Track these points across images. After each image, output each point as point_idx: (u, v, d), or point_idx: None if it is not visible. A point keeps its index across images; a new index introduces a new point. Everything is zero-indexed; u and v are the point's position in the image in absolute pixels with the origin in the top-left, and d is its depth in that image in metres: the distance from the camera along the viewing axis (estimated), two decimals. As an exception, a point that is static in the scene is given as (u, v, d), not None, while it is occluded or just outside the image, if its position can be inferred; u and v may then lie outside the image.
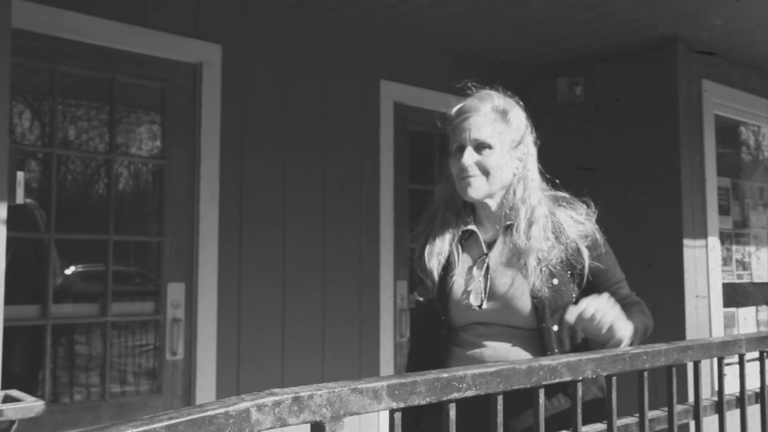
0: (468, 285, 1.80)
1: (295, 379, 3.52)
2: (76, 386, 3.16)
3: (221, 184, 3.43)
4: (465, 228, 1.87)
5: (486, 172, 1.79)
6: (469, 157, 1.79)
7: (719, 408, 1.85)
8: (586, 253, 1.77)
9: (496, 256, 1.81)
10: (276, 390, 0.99)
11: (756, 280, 4.71)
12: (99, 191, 3.40)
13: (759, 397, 1.99)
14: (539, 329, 1.74)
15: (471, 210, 1.89)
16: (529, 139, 1.89)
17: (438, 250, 1.85)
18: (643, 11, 3.71)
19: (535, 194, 1.80)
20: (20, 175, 2.54)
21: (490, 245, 1.83)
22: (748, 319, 4.57)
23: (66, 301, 3.14)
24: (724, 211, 4.44)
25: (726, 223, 4.48)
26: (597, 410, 1.67)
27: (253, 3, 3.57)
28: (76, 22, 3.06)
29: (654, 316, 4.42)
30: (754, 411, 1.96)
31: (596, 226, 1.83)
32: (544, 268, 1.73)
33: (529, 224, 1.76)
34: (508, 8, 3.65)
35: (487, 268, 1.79)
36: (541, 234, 1.75)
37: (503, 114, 1.83)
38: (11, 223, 2.43)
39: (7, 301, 2.38)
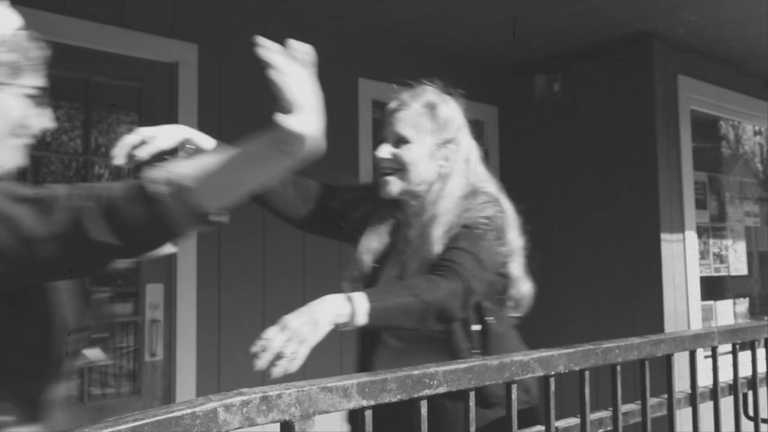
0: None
1: (276, 380, 3.51)
2: (55, 389, 3.13)
3: (199, 184, 3.42)
4: (393, 221, 1.85)
5: (401, 167, 1.75)
6: (385, 150, 1.77)
7: (692, 401, 1.88)
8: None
9: (410, 256, 1.78)
10: (244, 390, 0.99)
11: (733, 273, 4.76)
12: (76, 192, 3.38)
13: (732, 389, 2.01)
14: (447, 331, 1.70)
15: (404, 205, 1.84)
16: (463, 138, 1.82)
17: (374, 246, 1.84)
18: (619, 8, 3.74)
19: (448, 199, 1.74)
20: (-7, 178, 2.51)
21: (408, 242, 1.81)
22: (725, 312, 4.63)
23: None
24: (701, 205, 4.49)
25: (703, 217, 4.52)
26: (528, 419, 1.56)
27: (229, 2, 3.56)
28: (50, 23, 3.03)
29: (633, 310, 4.44)
30: (727, 403, 1.99)
31: (489, 222, 1.70)
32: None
33: (429, 229, 1.73)
34: (485, 6, 3.66)
35: (403, 269, 1.77)
36: (433, 239, 1.70)
37: (431, 108, 1.78)
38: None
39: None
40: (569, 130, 4.48)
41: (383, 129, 1.81)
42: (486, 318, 1.74)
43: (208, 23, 3.51)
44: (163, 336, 3.28)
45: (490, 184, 1.84)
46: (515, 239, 1.78)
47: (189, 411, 0.90)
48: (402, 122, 1.77)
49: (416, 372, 1.20)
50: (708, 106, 4.61)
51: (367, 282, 1.81)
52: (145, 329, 3.25)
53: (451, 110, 1.82)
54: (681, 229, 4.22)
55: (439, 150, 1.77)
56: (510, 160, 4.71)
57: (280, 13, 3.70)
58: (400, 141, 1.76)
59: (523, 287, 1.80)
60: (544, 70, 4.51)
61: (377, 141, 1.83)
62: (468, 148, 1.83)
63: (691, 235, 4.28)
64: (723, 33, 4.15)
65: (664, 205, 4.11)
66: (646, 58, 4.18)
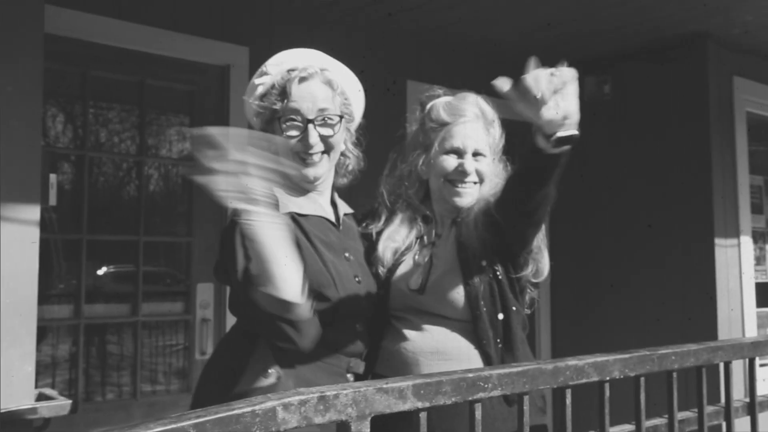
0: (413, 272, 1.82)
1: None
2: (108, 385, 3.21)
3: (249, 185, 3.46)
4: (424, 214, 1.91)
5: (481, 180, 1.86)
6: (471, 164, 1.84)
7: (751, 409, 1.83)
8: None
9: (441, 247, 1.84)
10: (302, 389, 1.00)
11: (791, 279, 4.62)
12: (129, 193, 3.45)
13: (792, 398, 1.96)
14: (473, 317, 1.73)
15: (426, 200, 1.93)
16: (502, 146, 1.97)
17: (397, 242, 1.87)
18: (673, 7, 3.66)
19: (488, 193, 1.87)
20: (52, 178, 2.58)
21: (439, 236, 1.87)
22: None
23: (98, 301, 3.19)
24: (756, 209, 4.37)
25: (759, 221, 4.41)
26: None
27: (279, 5, 3.59)
28: (106, 27, 3.11)
29: (685, 317, 4.35)
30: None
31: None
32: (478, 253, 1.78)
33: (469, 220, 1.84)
34: (535, 6, 3.63)
35: (431, 257, 1.82)
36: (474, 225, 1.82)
37: (492, 123, 1.91)
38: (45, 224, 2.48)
39: (41, 301, 2.43)
40: (619, 132, 4.40)
41: (451, 137, 1.86)
42: (512, 307, 1.76)
43: (259, 26, 3.55)
44: (213, 335, 3.33)
45: None
46: None
47: (249, 409, 0.92)
48: (478, 135, 1.86)
49: (471, 375, 1.20)
50: (764, 107, 4.49)
51: (390, 272, 1.84)
52: (196, 328, 3.31)
53: (499, 121, 1.93)
54: (736, 233, 4.12)
55: (497, 159, 1.92)
56: (558, 162, 4.64)
57: (329, 15, 3.73)
58: (476, 154, 1.85)
59: (545, 257, 1.85)
60: (593, 72, 4.44)
61: (443, 148, 1.87)
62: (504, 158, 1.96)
63: (746, 240, 4.17)
64: (780, 32, 4.04)
65: (718, 209, 4.01)
66: (699, 59, 4.09)
